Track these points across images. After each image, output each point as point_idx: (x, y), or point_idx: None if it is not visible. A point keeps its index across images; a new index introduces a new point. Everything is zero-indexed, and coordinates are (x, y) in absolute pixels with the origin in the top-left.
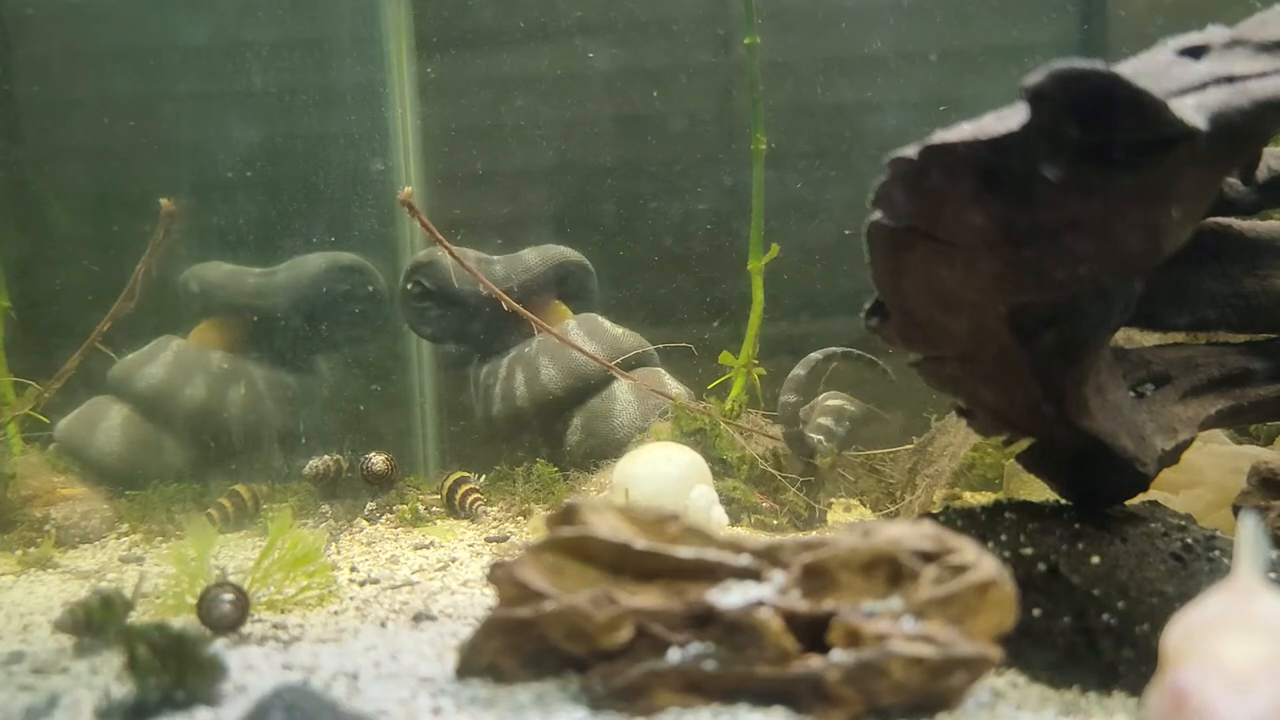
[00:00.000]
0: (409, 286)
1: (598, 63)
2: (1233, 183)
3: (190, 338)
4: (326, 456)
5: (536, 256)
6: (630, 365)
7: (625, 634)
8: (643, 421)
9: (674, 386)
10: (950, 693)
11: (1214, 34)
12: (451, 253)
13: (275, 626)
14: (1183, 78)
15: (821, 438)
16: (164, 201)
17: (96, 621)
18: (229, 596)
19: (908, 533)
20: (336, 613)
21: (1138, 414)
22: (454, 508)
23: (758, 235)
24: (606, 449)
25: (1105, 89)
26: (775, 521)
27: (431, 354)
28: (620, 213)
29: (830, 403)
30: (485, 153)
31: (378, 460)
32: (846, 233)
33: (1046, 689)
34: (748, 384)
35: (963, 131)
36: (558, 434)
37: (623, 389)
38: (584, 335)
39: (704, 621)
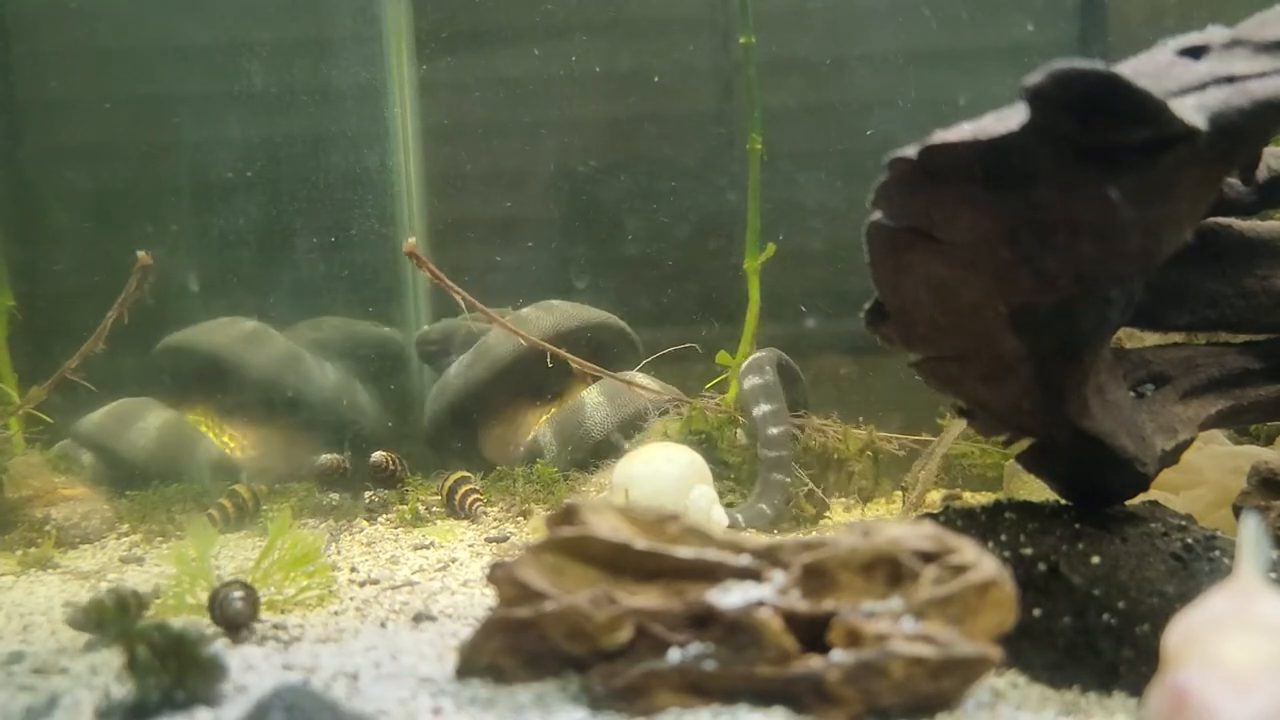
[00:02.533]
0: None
1: (597, 62)
2: (1233, 183)
3: None
4: (333, 454)
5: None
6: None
7: (625, 634)
8: (619, 420)
9: (653, 385)
10: (950, 693)
11: (1214, 34)
12: (464, 299)
13: (275, 626)
14: (1183, 78)
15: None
16: (141, 254)
17: (108, 620)
18: (239, 594)
19: (908, 533)
20: (336, 613)
21: (1138, 414)
22: (454, 508)
23: (754, 235)
24: (582, 453)
25: (1105, 89)
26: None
27: None
28: (619, 212)
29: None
30: (485, 152)
31: (381, 457)
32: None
33: (1046, 689)
34: None
35: (962, 131)
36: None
37: (591, 395)
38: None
39: (704, 621)
